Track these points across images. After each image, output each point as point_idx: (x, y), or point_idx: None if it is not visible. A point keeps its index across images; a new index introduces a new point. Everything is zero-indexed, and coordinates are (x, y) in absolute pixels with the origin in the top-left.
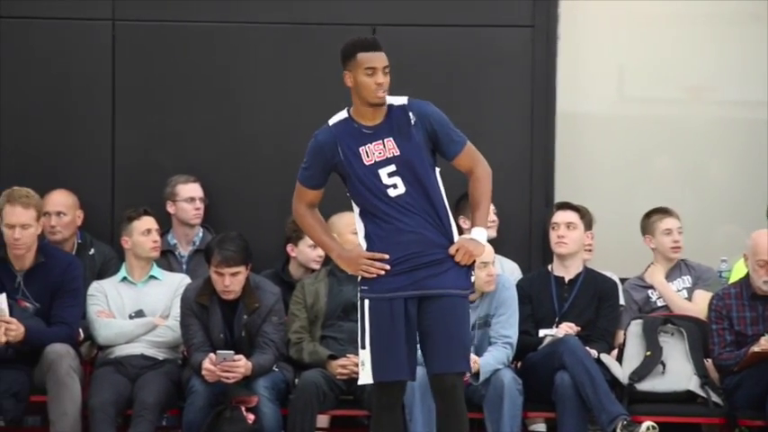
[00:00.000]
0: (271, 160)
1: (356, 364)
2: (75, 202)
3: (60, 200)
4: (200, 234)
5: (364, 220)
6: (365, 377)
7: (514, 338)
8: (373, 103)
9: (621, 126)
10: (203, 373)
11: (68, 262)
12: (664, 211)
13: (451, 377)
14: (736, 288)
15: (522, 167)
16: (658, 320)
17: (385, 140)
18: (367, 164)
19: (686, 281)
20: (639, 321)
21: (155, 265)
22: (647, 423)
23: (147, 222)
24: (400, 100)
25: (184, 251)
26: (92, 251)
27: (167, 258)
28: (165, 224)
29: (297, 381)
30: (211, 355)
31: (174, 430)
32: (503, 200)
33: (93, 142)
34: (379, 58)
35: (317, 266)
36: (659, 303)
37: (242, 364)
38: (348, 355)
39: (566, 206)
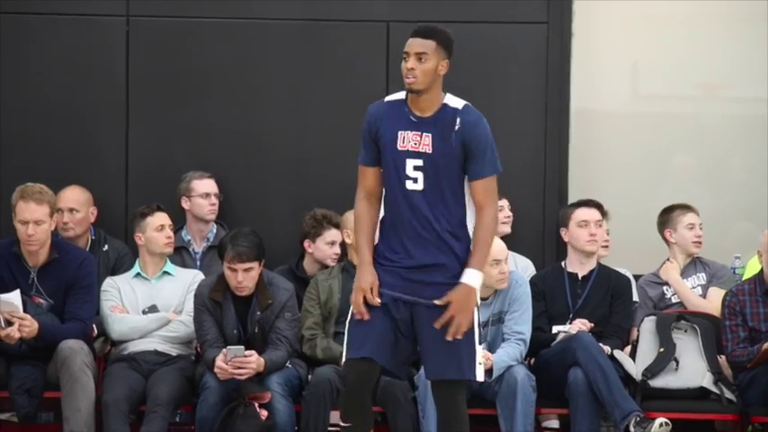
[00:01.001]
0: (285, 156)
1: None
2: (89, 198)
3: (73, 196)
4: (214, 230)
5: (384, 206)
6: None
7: (528, 335)
8: (407, 89)
9: (635, 123)
10: (216, 371)
11: (82, 258)
12: (685, 207)
13: (447, 383)
14: (750, 284)
15: (535, 164)
16: (672, 317)
17: (424, 134)
18: (400, 149)
19: (701, 278)
20: (653, 318)
21: (168, 261)
22: (660, 419)
23: (161, 218)
24: (457, 103)
25: (198, 247)
26: (105, 247)
27: (181, 254)
28: (179, 220)
29: (310, 377)
30: (224, 350)
31: (188, 426)
32: (517, 196)
33: (107, 138)
34: (413, 44)
35: (332, 263)
36: (674, 300)
37: (253, 360)
38: None
39: (590, 203)
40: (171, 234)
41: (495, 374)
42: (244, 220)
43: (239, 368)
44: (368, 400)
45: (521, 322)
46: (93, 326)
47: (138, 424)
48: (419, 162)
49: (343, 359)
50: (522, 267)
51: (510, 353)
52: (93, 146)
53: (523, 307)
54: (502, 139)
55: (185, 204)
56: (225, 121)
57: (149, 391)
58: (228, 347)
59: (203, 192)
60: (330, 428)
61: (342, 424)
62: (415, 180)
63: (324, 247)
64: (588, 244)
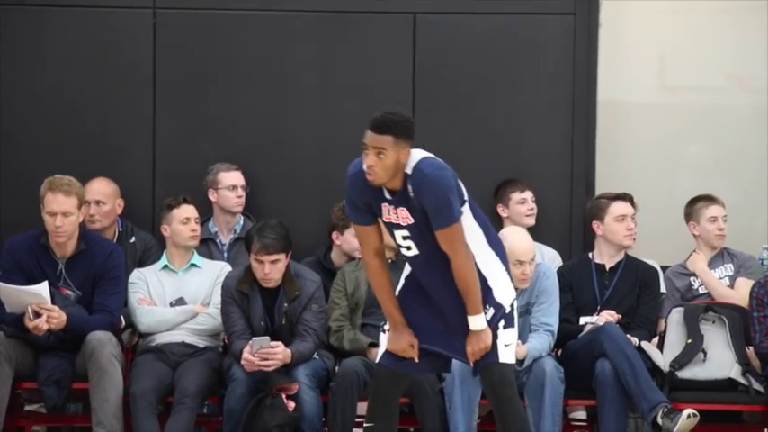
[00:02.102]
0: (312, 148)
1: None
2: (116, 190)
3: (100, 189)
4: (241, 222)
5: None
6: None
7: (555, 326)
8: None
9: (663, 114)
10: (242, 363)
11: (110, 250)
12: (709, 199)
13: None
14: None
15: (563, 155)
16: (699, 308)
17: (399, 209)
18: (386, 220)
19: (728, 269)
20: (680, 309)
21: (195, 253)
22: (688, 410)
23: (187, 211)
24: (410, 167)
25: (225, 239)
26: (133, 239)
27: (208, 246)
28: (206, 212)
29: (337, 368)
30: (249, 341)
31: (215, 418)
32: (543, 187)
33: (135, 131)
34: (370, 138)
35: (360, 255)
36: (701, 291)
37: (280, 350)
38: None
39: (625, 197)
40: (196, 227)
41: (525, 364)
42: (271, 211)
43: (265, 359)
44: (395, 405)
45: (548, 314)
46: (121, 317)
47: (165, 415)
48: (405, 233)
49: (378, 358)
50: (549, 258)
51: (538, 344)
52: (121, 138)
53: (551, 299)
54: (529, 130)
55: (212, 196)
56: (252, 113)
57: (177, 383)
58: (254, 339)
59: (230, 184)
60: (357, 419)
61: (366, 424)
62: (409, 248)
63: (351, 239)
64: (626, 239)
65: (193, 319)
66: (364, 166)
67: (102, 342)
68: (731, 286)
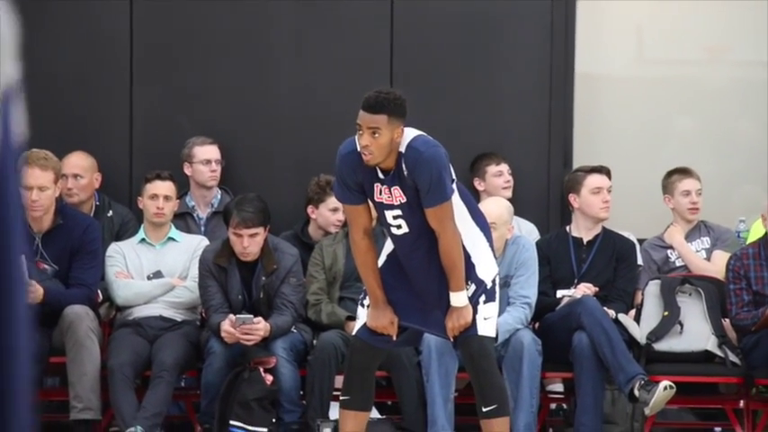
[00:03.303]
0: (290, 122)
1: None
2: (93, 164)
3: (78, 162)
4: (219, 196)
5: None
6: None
7: (533, 299)
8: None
9: (641, 87)
10: (222, 335)
11: (87, 224)
12: (684, 172)
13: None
14: (754, 248)
15: (540, 128)
16: (676, 281)
17: (392, 188)
18: (377, 200)
19: (705, 242)
20: (657, 281)
21: (173, 227)
22: (665, 382)
23: (156, 187)
24: (403, 145)
25: (203, 213)
26: (110, 213)
27: (186, 220)
28: (185, 186)
29: (315, 342)
30: (231, 316)
31: (193, 391)
32: (521, 161)
33: (112, 104)
34: (364, 118)
35: (335, 230)
36: (678, 264)
37: (261, 327)
38: None
39: (602, 170)
40: (163, 205)
41: (501, 338)
42: (249, 185)
43: (247, 334)
44: (371, 378)
45: (526, 286)
46: (99, 291)
47: (143, 389)
48: (397, 212)
49: (355, 331)
50: (527, 232)
51: (515, 317)
52: (98, 111)
53: (530, 271)
54: (506, 104)
55: (187, 170)
56: (229, 86)
57: (154, 357)
58: (238, 315)
59: (204, 158)
60: (335, 392)
61: (342, 397)
62: (399, 227)
63: (326, 213)
64: (602, 211)
65: (171, 293)
66: (359, 147)
67: (80, 316)
68: (708, 259)
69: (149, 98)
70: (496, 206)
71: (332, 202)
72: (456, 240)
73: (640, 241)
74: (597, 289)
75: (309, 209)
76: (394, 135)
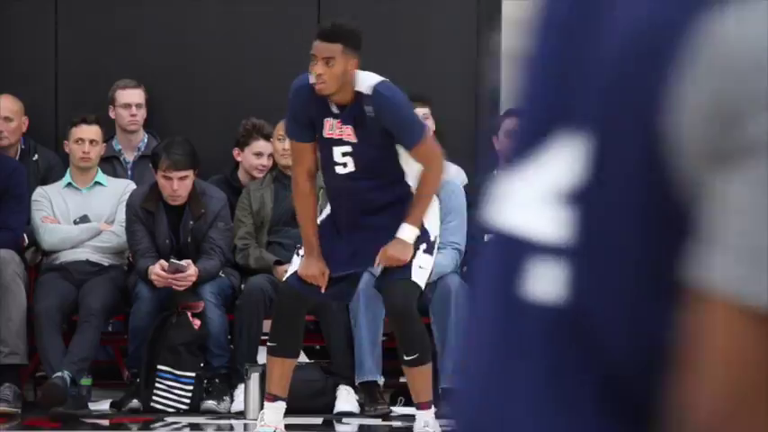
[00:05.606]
0: (218, 65)
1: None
2: (21, 107)
3: (8, 105)
4: (145, 140)
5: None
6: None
7: (463, 244)
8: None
9: None
10: (152, 278)
11: (13, 168)
12: None
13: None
14: None
15: (467, 73)
16: None
17: (344, 126)
18: (326, 136)
19: None
20: None
21: (99, 171)
22: None
23: (81, 131)
24: (368, 87)
25: (129, 157)
26: (35, 157)
27: (112, 164)
28: (112, 130)
29: (243, 286)
30: (163, 261)
31: (120, 336)
32: (449, 107)
33: (37, 46)
34: (319, 47)
35: (259, 175)
36: None
37: (193, 273)
38: None
39: None
40: (88, 149)
41: (431, 279)
42: (176, 129)
43: (178, 280)
44: (299, 323)
45: (456, 232)
46: (25, 235)
47: (70, 333)
48: (346, 148)
49: (286, 277)
50: (453, 174)
51: (446, 259)
52: (22, 53)
53: (459, 217)
54: (434, 47)
55: (112, 114)
56: (157, 28)
57: (82, 301)
58: (171, 261)
59: (124, 102)
60: (263, 337)
61: (269, 342)
62: (345, 165)
63: (251, 157)
64: None
65: (98, 237)
66: (312, 78)
67: (6, 260)
68: None
69: (75, 40)
70: None
71: (256, 146)
72: (440, 178)
73: None
74: None
75: (235, 151)
76: (348, 66)
